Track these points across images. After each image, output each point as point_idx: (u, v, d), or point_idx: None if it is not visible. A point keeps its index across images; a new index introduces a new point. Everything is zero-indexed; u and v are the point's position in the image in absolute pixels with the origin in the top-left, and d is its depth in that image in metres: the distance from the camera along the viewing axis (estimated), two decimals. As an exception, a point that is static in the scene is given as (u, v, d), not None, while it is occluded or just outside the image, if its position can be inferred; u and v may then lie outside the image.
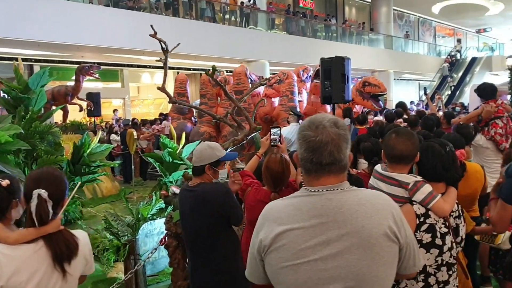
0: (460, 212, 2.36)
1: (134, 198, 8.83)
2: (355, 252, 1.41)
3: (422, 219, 2.16)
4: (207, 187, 2.78)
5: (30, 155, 4.32)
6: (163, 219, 4.70)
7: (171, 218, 3.54)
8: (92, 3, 13.68)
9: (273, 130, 3.33)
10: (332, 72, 6.21)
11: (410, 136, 2.29)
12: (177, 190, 4.26)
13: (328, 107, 8.89)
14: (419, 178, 2.25)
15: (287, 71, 11.44)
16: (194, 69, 20.01)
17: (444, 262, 2.19)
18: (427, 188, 2.19)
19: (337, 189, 1.48)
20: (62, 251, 1.82)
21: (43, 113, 5.26)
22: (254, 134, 5.09)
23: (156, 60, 4.78)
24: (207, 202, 2.71)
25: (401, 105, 8.61)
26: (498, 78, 25.67)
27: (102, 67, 10.75)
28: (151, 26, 4.52)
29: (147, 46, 13.18)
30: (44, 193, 1.80)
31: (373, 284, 1.42)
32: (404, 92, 28.97)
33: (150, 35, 4.56)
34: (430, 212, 2.18)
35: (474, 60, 28.58)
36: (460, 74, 27.89)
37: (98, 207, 8.18)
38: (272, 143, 3.33)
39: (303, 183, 1.56)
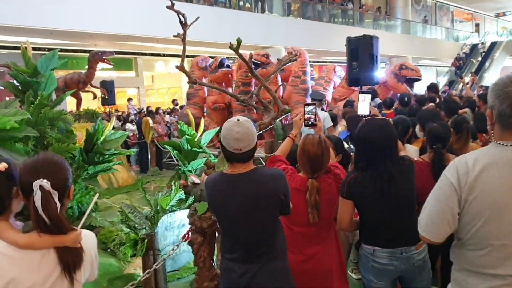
0: None
1: (151, 188, 8.57)
2: None
3: None
4: (267, 171, 2.31)
5: (40, 143, 4.02)
6: (184, 211, 4.37)
7: (195, 211, 3.16)
8: (104, -10, 13.37)
9: (307, 108, 2.92)
10: (359, 53, 5.79)
11: None
12: (196, 180, 3.93)
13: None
14: None
15: (299, 48, 10.89)
16: (209, 57, 19.65)
17: None
18: None
19: None
20: (73, 259, 1.58)
21: (54, 99, 4.95)
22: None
23: (174, 36, 4.42)
24: (272, 187, 2.19)
25: (433, 86, 7.98)
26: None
27: (115, 55, 10.45)
28: (169, -3, 4.15)
29: (161, 33, 12.94)
30: (46, 183, 1.52)
31: None
32: (422, 78, 28.33)
33: (167, 6, 4.17)
34: None
35: (493, 44, 27.67)
36: (479, 59, 27.06)
37: (114, 197, 7.94)
38: (305, 123, 2.95)
39: None
